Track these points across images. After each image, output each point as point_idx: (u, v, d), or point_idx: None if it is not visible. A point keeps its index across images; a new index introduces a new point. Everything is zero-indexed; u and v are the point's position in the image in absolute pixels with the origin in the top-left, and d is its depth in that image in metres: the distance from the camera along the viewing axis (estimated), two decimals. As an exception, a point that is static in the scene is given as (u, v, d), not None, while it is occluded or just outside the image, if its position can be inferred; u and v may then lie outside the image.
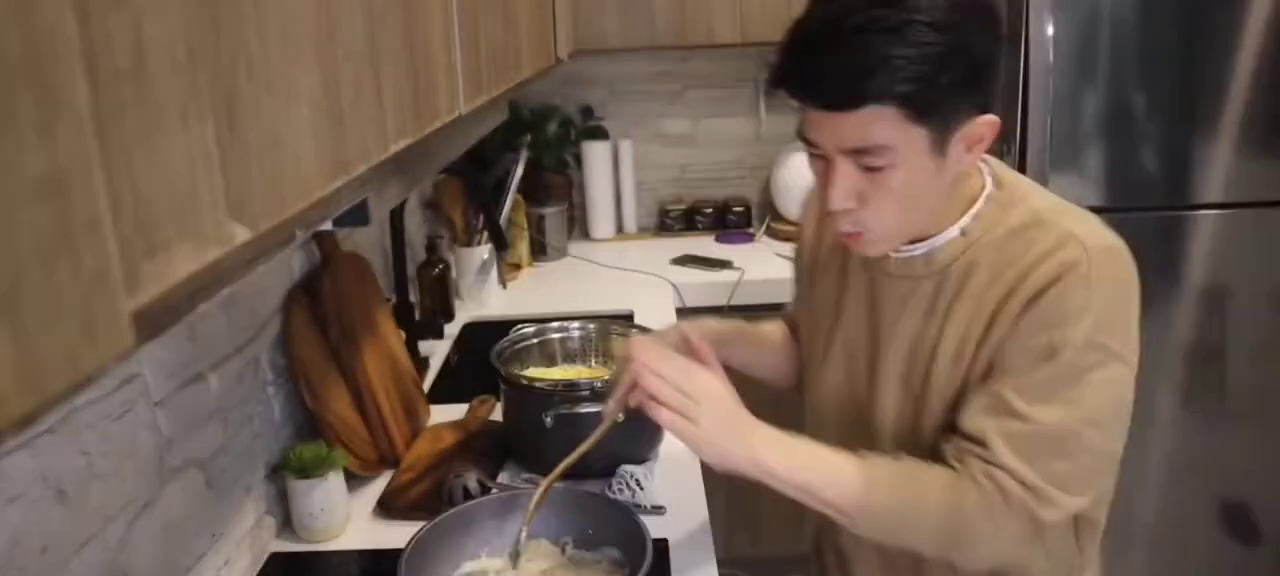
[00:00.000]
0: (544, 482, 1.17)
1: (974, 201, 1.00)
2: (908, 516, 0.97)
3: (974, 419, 0.96)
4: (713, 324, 1.31)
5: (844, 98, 0.88)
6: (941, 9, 0.87)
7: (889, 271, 1.05)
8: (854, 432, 1.09)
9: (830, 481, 0.98)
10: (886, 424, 1.08)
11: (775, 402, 1.16)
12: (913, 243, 1.02)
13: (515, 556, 1.17)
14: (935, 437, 1.02)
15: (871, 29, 0.86)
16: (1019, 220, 0.98)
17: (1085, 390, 0.93)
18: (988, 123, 0.93)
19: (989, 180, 1.02)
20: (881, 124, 0.88)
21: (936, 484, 0.96)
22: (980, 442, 0.95)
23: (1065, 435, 0.93)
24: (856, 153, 0.91)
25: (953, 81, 0.88)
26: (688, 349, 1.10)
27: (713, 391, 1.00)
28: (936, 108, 0.89)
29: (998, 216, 0.99)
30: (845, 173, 0.93)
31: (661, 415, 0.97)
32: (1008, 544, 0.96)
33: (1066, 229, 0.94)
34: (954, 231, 1.00)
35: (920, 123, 0.88)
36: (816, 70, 0.90)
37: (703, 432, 0.97)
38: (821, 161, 0.96)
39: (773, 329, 1.37)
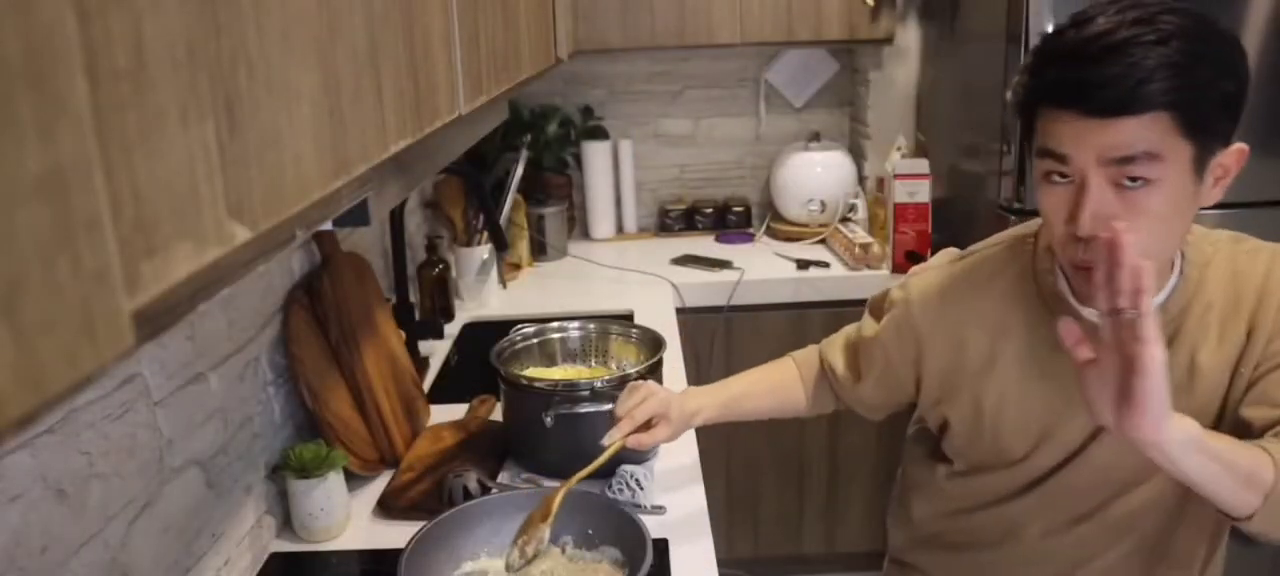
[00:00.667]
0: (561, 491, 1.19)
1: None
2: None
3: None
4: (696, 399, 1.28)
5: (1126, 102, 0.89)
6: (1202, 32, 0.90)
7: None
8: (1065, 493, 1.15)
9: (1244, 453, 0.92)
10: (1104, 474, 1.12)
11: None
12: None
13: (530, 559, 1.17)
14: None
15: (1141, 41, 0.88)
16: (1226, 251, 1.06)
17: None
18: (1238, 152, 0.97)
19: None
20: (1154, 131, 0.89)
21: None
22: None
23: None
24: (1121, 163, 0.90)
25: (1220, 98, 0.91)
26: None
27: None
28: (1205, 123, 0.91)
29: (1208, 254, 1.06)
30: (1100, 191, 0.92)
31: None
32: None
33: (1258, 242, 1.08)
34: (1175, 279, 1.05)
35: (1189, 137, 0.90)
36: (1095, 77, 0.89)
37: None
38: (1062, 189, 0.95)
39: (775, 378, 1.35)
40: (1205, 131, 0.91)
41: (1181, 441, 0.86)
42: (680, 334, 2.05)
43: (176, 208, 0.36)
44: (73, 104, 0.29)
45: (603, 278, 2.46)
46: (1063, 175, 0.94)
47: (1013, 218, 2.02)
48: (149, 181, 0.34)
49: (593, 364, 1.63)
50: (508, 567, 1.17)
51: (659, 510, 1.33)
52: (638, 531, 1.13)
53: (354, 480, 1.40)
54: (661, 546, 1.24)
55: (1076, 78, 0.91)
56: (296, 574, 1.27)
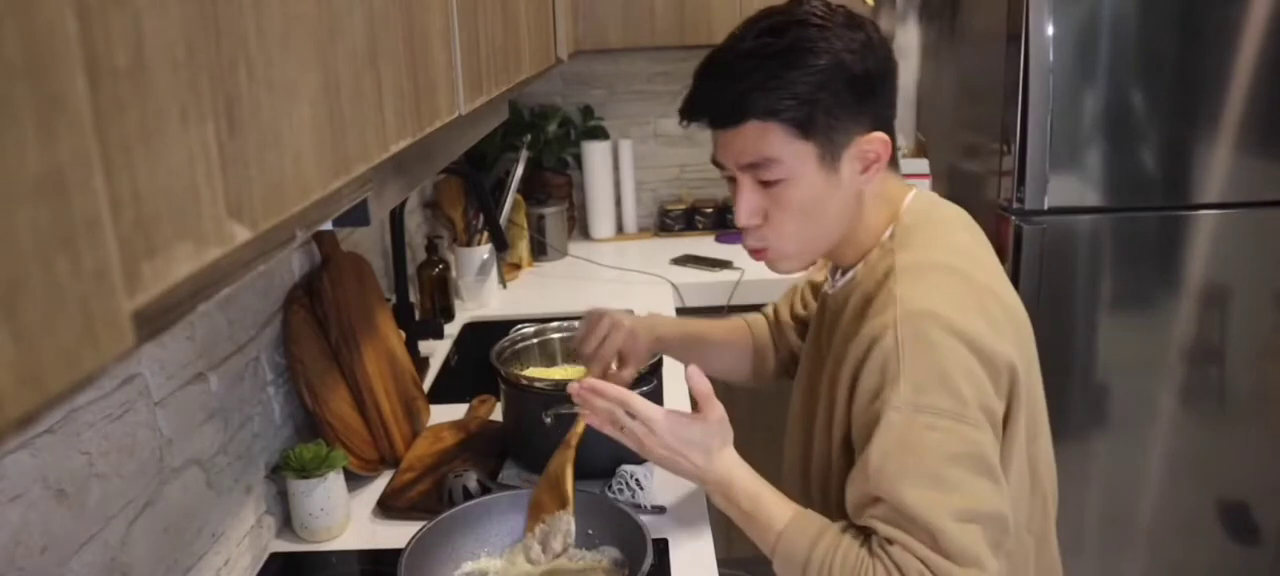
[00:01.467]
0: (567, 472, 1.22)
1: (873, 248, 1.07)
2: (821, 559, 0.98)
3: (858, 513, 0.98)
4: (663, 324, 1.39)
5: (729, 115, 0.99)
6: (826, 36, 0.96)
7: (824, 305, 1.15)
8: (790, 467, 1.20)
9: (758, 513, 1.05)
10: (792, 457, 1.18)
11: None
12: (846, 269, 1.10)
13: (558, 554, 1.17)
14: (823, 477, 1.09)
15: (759, 54, 0.97)
16: (882, 272, 1.02)
17: (924, 454, 0.92)
18: (879, 140, 1.01)
19: (891, 229, 1.06)
20: (769, 138, 0.98)
21: (850, 545, 0.97)
22: (870, 532, 0.97)
23: (908, 496, 0.93)
24: (751, 167, 1.00)
25: (836, 101, 0.97)
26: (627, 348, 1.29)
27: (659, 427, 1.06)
28: (819, 124, 0.97)
29: (876, 263, 1.04)
30: (748, 189, 1.02)
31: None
32: None
33: (893, 292, 0.97)
34: (850, 275, 1.08)
35: (806, 138, 0.97)
36: (708, 92, 1.01)
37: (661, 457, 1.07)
38: (732, 183, 1.05)
39: (728, 328, 1.44)
40: (822, 131, 0.98)
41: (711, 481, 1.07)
42: (680, 334, 2.04)
43: (176, 207, 0.36)
44: (73, 104, 0.29)
45: (603, 278, 2.46)
46: (730, 177, 1.05)
47: (1013, 218, 2.03)
48: (149, 181, 0.34)
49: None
50: (530, 560, 1.17)
51: (659, 510, 1.33)
52: (638, 531, 1.13)
53: (354, 480, 1.40)
54: (661, 546, 1.24)
55: (693, 93, 1.03)
56: (296, 574, 1.27)
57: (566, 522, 1.16)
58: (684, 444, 1.04)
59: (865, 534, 0.97)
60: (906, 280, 0.98)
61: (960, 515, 0.91)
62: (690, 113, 1.04)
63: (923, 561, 0.92)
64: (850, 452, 1.01)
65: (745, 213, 1.03)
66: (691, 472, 1.06)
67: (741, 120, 0.99)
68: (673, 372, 1.76)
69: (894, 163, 1.06)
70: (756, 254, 1.09)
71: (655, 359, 1.42)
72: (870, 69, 0.99)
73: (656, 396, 1.47)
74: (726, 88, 0.99)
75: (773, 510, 1.04)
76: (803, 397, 1.16)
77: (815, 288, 1.34)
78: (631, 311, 2.12)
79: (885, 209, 1.06)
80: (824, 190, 1.01)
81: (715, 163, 1.06)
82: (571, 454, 1.22)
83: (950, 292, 0.97)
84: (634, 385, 1.30)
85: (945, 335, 0.93)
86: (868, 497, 0.95)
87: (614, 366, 1.34)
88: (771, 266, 1.09)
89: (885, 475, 0.93)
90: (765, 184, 1.01)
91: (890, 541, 0.93)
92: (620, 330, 1.31)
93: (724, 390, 1.31)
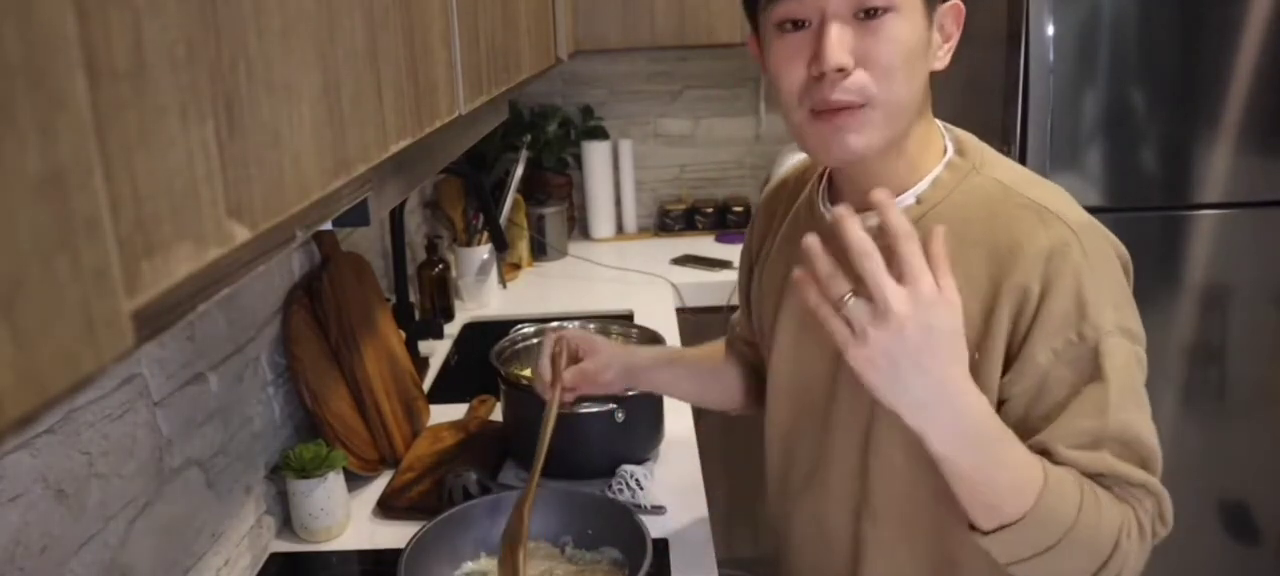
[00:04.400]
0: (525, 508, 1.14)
1: (933, 168, 0.93)
2: (1085, 525, 0.82)
3: (1081, 455, 0.84)
4: (638, 353, 1.26)
5: None
6: None
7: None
8: (807, 415, 1.02)
9: (1013, 482, 0.81)
10: (840, 406, 0.97)
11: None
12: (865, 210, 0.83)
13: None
14: (889, 419, 0.84)
15: None
16: (985, 190, 0.90)
17: (1139, 382, 0.87)
18: (955, 10, 0.92)
19: (950, 145, 0.95)
20: None
21: (1104, 498, 0.84)
22: (1103, 474, 0.85)
23: (1142, 427, 0.86)
24: None
25: None
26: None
27: (920, 322, 0.75)
28: None
29: (956, 183, 0.92)
30: (840, 26, 0.84)
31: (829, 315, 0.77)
32: (1135, 566, 0.86)
33: (1040, 204, 0.88)
34: (909, 198, 0.92)
35: None
36: None
37: (872, 368, 0.76)
38: (797, 37, 0.87)
39: (709, 353, 1.30)
40: None
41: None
42: (680, 334, 2.05)
43: (176, 207, 0.36)
44: (73, 104, 0.29)
45: (603, 278, 2.46)
46: (797, 22, 0.87)
47: (1013, 217, 2.02)
48: (149, 181, 0.34)
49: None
50: None
51: (659, 510, 1.33)
52: (638, 531, 1.13)
53: (354, 480, 1.40)
54: (661, 546, 1.24)
55: None
56: (296, 574, 1.27)
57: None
58: (937, 337, 0.75)
59: (1094, 477, 0.84)
60: (1043, 193, 0.89)
61: (1157, 448, 0.87)
62: None
63: (1156, 498, 0.85)
64: (991, 397, 0.85)
65: (840, 51, 0.83)
66: (936, 386, 0.76)
67: None
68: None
69: None
70: (839, 115, 0.86)
71: (626, 391, 1.31)
72: None
73: (650, 408, 1.46)
74: None
75: (1022, 460, 0.81)
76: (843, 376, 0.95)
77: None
78: (632, 315, 2.13)
79: (934, 125, 0.95)
80: (922, 43, 0.87)
81: (781, 14, 0.87)
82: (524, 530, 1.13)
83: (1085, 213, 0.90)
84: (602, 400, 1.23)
85: (1113, 253, 0.89)
86: (1095, 437, 0.83)
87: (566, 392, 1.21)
88: (850, 133, 0.86)
89: (1120, 408, 0.83)
90: (869, 15, 0.84)
91: (1130, 482, 0.84)
92: (565, 341, 1.19)
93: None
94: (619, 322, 1.67)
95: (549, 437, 1.16)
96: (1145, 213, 2.01)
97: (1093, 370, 0.84)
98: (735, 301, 2.29)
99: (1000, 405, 0.87)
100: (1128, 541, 0.83)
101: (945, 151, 0.95)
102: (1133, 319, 0.89)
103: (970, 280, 0.86)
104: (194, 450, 1.10)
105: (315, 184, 0.51)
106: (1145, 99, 1.97)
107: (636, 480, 1.36)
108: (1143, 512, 0.85)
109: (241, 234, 0.42)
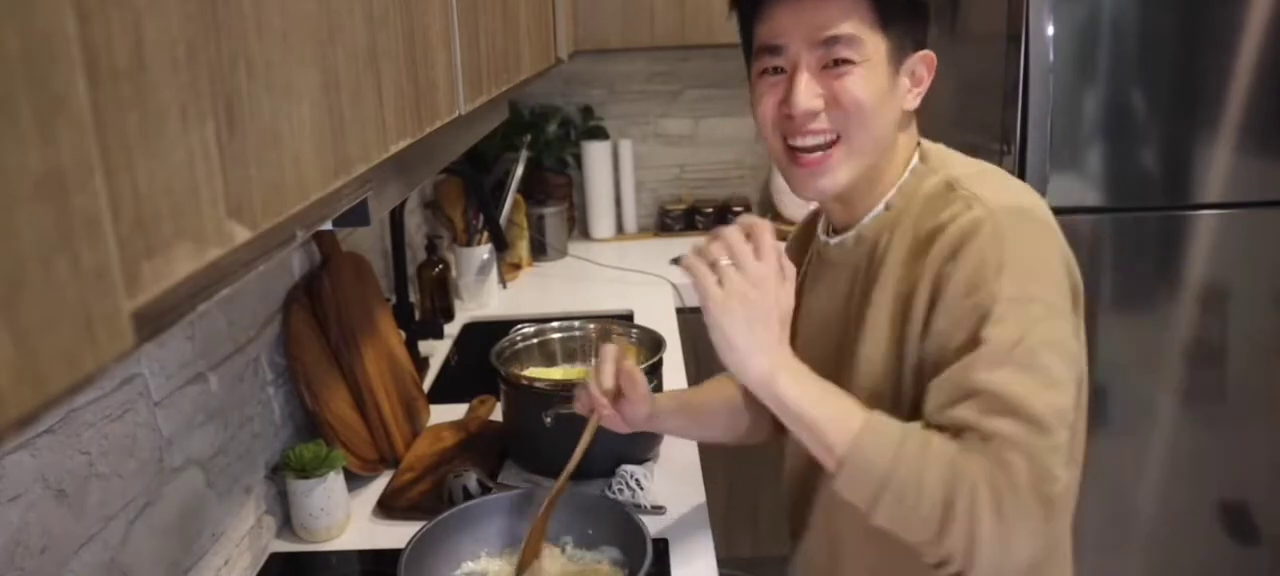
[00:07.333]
0: (554, 488, 1.17)
1: (901, 178, 1.03)
2: (909, 468, 0.86)
3: (942, 413, 0.88)
4: (663, 398, 1.26)
5: None
6: None
7: (828, 259, 1.09)
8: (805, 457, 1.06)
9: (835, 416, 0.89)
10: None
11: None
12: (843, 231, 1.06)
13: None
14: None
15: None
16: (933, 188, 0.99)
17: (1034, 345, 0.87)
18: (929, 60, 1.01)
19: (917, 157, 1.04)
20: (855, 15, 0.96)
21: (943, 444, 0.86)
22: (962, 428, 0.86)
23: (1018, 388, 0.85)
24: (828, 44, 0.96)
25: (909, 6, 0.98)
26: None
27: (768, 288, 0.90)
28: (896, 21, 0.97)
29: (917, 186, 1.01)
30: (809, 75, 0.97)
31: (702, 277, 0.90)
32: (1018, 524, 0.83)
33: (972, 192, 0.94)
34: (880, 207, 1.03)
35: (882, 30, 0.96)
36: None
37: (727, 312, 0.89)
38: (777, 81, 1.00)
39: (715, 389, 1.30)
40: (896, 28, 0.97)
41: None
42: (680, 334, 2.05)
43: (176, 207, 0.36)
44: (73, 104, 0.29)
45: (603, 277, 2.46)
46: (778, 68, 1.00)
47: (1013, 218, 2.02)
48: (149, 181, 0.34)
49: (592, 364, 1.62)
50: None
51: (659, 510, 1.33)
52: (638, 531, 1.13)
53: (354, 480, 1.40)
54: (661, 546, 1.24)
55: None
56: (296, 574, 1.27)
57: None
58: (774, 312, 0.90)
59: (953, 432, 0.87)
60: (980, 183, 0.95)
61: (1057, 412, 0.86)
62: None
63: (1026, 453, 0.83)
64: (920, 381, 0.93)
65: (809, 95, 0.96)
66: (762, 347, 0.89)
67: None
68: (672, 367, 1.76)
69: None
70: (810, 159, 0.99)
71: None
72: None
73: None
74: None
75: (848, 406, 0.90)
76: (829, 367, 1.01)
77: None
78: (632, 315, 2.13)
79: (908, 143, 1.04)
80: (886, 92, 0.97)
81: (766, 50, 1.00)
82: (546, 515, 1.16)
83: (1032, 196, 0.97)
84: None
85: (1043, 228, 0.93)
86: (962, 392, 0.87)
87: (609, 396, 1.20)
88: (820, 177, 0.99)
89: (994, 366, 0.85)
90: (835, 66, 0.96)
91: (989, 435, 0.84)
92: (626, 368, 1.19)
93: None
94: (619, 322, 1.67)
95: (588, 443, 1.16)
96: (1145, 213, 2.01)
97: (976, 337, 0.88)
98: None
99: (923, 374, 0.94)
100: (980, 491, 0.82)
101: (912, 161, 1.04)
102: (1050, 293, 0.90)
103: (909, 264, 0.96)
104: (194, 450, 1.10)
105: (315, 184, 0.51)
106: (1145, 99, 1.97)
107: (636, 480, 1.36)
108: (1010, 467, 0.83)
109: (241, 234, 0.42)
